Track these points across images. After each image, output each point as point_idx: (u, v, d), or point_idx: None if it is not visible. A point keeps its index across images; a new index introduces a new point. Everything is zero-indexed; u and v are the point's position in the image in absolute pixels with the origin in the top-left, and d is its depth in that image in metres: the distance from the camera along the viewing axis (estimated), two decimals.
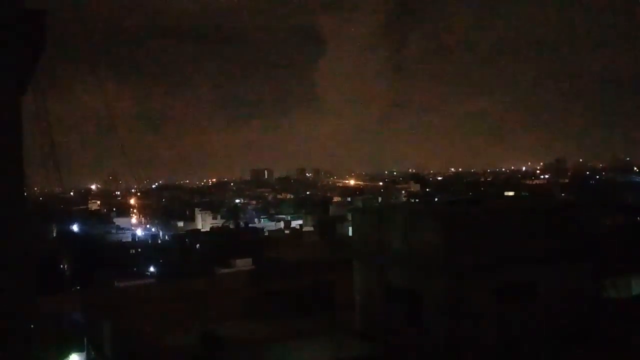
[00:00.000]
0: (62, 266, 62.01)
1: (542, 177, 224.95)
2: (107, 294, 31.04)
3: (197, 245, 73.58)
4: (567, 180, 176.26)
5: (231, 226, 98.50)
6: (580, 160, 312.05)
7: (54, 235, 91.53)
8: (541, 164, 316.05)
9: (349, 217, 55.12)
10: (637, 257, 23.18)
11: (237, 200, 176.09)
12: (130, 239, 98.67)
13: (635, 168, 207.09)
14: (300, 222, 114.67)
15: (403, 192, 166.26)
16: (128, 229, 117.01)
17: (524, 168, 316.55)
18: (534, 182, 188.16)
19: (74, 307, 27.80)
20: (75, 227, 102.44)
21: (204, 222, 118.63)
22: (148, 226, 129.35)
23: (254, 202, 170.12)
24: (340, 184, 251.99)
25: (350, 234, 26.60)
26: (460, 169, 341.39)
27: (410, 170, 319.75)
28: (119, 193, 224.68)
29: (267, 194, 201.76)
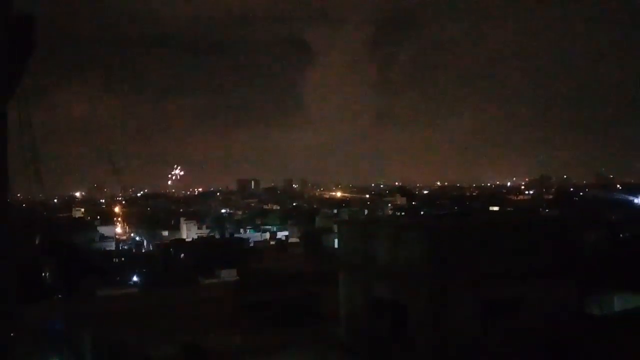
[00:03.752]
0: (44, 274, 61.24)
1: (526, 192, 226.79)
2: (89, 303, 30.72)
3: (182, 255, 73.05)
4: (551, 196, 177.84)
5: (216, 236, 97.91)
6: (565, 176, 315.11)
7: (37, 242, 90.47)
8: (526, 179, 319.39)
9: (335, 229, 55.15)
10: (620, 273, 23.37)
11: (223, 210, 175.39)
12: (114, 248, 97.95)
13: (618, 185, 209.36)
14: (286, 233, 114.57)
15: (389, 204, 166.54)
16: (112, 238, 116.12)
17: (509, 183, 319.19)
18: (518, 198, 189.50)
19: (56, 315, 27.47)
20: (58, 235, 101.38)
21: (189, 232, 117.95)
22: (132, 235, 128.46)
23: (239, 212, 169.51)
24: (327, 196, 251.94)
25: (336, 245, 26.58)
26: (446, 183, 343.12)
27: (396, 183, 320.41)
28: (103, 201, 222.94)
29: (253, 205, 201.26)
